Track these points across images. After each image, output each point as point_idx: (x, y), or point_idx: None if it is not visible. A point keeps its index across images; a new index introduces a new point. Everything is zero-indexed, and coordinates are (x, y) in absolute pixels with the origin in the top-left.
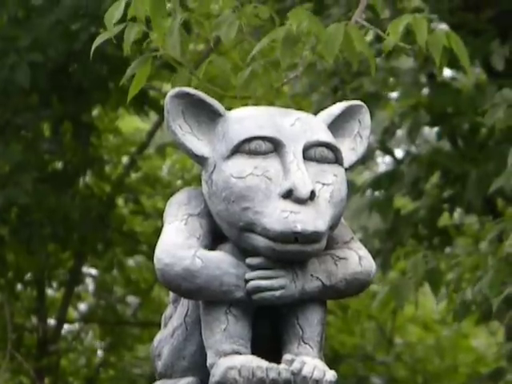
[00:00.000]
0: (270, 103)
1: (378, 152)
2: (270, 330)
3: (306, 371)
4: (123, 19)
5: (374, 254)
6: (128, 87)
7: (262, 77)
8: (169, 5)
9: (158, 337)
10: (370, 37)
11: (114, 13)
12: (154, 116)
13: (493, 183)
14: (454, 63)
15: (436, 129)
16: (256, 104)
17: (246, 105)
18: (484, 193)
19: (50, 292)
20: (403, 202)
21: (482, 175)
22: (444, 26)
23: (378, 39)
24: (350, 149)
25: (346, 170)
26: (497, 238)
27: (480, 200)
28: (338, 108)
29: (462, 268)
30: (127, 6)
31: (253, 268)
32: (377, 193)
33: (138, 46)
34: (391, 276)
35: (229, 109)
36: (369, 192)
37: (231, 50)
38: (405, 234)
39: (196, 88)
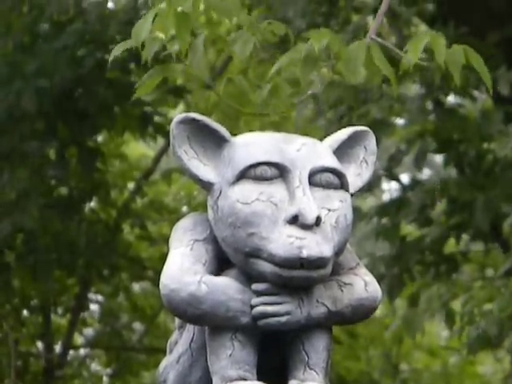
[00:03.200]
0: (278, 124)
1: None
2: (275, 355)
3: None
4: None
5: (380, 281)
6: (133, 111)
7: (282, 94)
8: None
9: (164, 363)
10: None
11: (143, 26)
12: (159, 141)
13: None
14: (460, 89)
15: (442, 155)
16: (274, 122)
17: (263, 125)
18: (491, 218)
19: (55, 318)
20: (409, 229)
21: (489, 201)
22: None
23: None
24: (356, 174)
25: (351, 195)
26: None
27: (487, 225)
28: (343, 134)
29: (475, 301)
30: (154, 20)
31: (258, 294)
32: (383, 219)
33: (153, 62)
34: (398, 304)
35: (245, 128)
36: (375, 219)
37: (246, 69)
38: (411, 260)
39: (216, 105)
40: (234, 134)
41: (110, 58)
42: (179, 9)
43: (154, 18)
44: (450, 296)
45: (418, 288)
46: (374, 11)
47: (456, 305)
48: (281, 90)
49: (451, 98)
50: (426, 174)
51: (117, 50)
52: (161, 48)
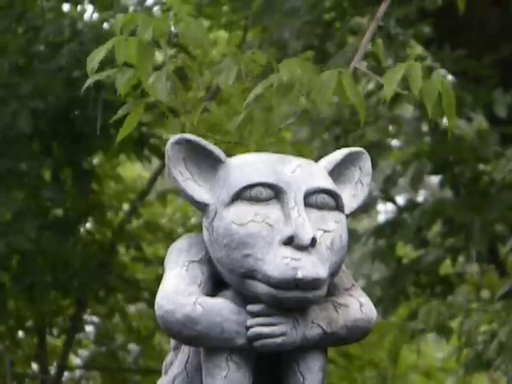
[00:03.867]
0: (266, 150)
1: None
2: (270, 377)
3: None
4: (113, 65)
5: (376, 302)
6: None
7: (257, 122)
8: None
9: None
10: (371, 85)
11: (95, 57)
12: (155, 163)
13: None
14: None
15: (438, 177)
16: (254, 150)
17: (244, 151)
18: (488, 240)
19: (50, 339)
20: (406, 251)
21: (486, 224)
22: (443, 72)
23: (381, 87)
24: (351, 195)
25: (346, 216)
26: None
27: (486, 248)
28: (339, 154)
29: (475, 322)
30: (112, 51)
31: (254, 315)
32: (380, 241)
33: (133, 89)
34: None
35: (227, 155)
36: (371, 240)
37: (231, 98)
38: (407, 281)
39: (191, 134)
40: None
41: (82, 90)
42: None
43: (113, 47)
44: (449, 316)
45: (417, 305)
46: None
47: (454, 324)
48: (256, 117)
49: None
50: (421, 195)
51: (87, 83)
52: (133, 81)
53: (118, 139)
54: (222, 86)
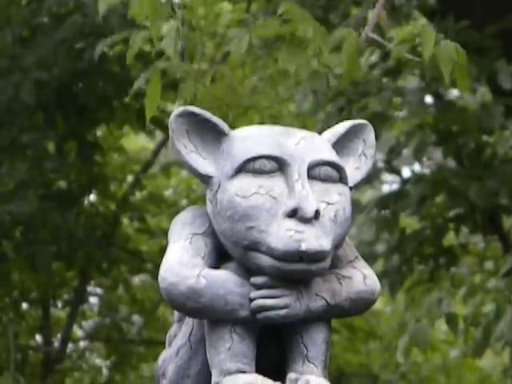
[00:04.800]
0: (275, 117)
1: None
2: (274, 348)
3: None
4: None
5: (381, 275)
6: (132, 104)
7: (268, 87)
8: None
9: (163, 356)
10: (375, 57)
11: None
12: (158, 134)
13: None
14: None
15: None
16: (261, 117)
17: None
18: (491, 210)
19: (54, 311)
20: (409, 222)
21: (488, 192)
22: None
23: (384, 58)
24: (355, 168)
25: (350, 188)
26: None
27: (484, 201)
28: (342, 127)
29: (479, 301)
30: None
31: (257, 287)
32: (382, 212)
33: (139, 60)
34: (399, 298)
35: (233, 126)
36: (375, 211)
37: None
38: (410, 252)
39: (202, 98)
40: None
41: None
42: None
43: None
44: (451, 297)
45: (419, 293)
46: (374, 4)
47: (457, 307)
48: (272, 81)
49: (451, 91)
50: (425, 166)
51: (102, 44)
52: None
53: (147, 115)
54: (234, 55)
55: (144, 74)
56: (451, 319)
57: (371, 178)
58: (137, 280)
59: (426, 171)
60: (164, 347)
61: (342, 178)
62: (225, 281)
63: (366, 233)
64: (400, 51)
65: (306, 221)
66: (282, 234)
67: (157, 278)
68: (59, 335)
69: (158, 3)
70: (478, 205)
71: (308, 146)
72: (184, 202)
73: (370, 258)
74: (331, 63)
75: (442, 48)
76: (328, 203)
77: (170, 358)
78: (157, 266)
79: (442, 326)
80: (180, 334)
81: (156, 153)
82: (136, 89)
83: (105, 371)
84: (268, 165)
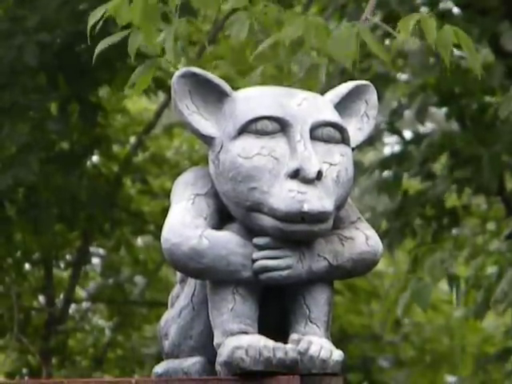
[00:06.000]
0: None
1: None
2: (276, 309)
3: (312, 351)
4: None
5: (383, 236)
6: (134, 65)
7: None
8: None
9: (165, 316)
10: (378, 33)
11: (97, 14)
12: (161, 96)
13: None
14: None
15: (444, 109)
16: (263, 79)
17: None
18: (497, 172)
19: (57, 272)
20: (411, 184)
21: (494, 156)
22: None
23: (388, 34)
24: (357, 129)
25: (352, 149)
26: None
27: (496, 181)
28: (345, 88)
29: (480, 264)
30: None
31: (260, 248)
32: (385, 173)
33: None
34: (399, 258)
35: (233, 88)
36: (377, 173)
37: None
38: (412, 214)
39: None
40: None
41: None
42: None
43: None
44: (453, 258)
45: (422, 254)
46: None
47: (459, 269)
48: (279, 46)
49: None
50: (428, 127)
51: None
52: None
53: (136, 93)
54: (234, 40)
55: (139, 69)
56: (453, 280)
57: (373, 139)
58: (139, 241)
59: (429, 132)
60: (166, 308)
61: (344, 139)
62: (227, 241)
63: (370, 199)
64: (401, 40)
65: (308, 181)
66: (284, 195)
67: (159, 239)
68: (62, 296)
69: (150, 9)
70: (490, 171)
71: (310, 106)
72: (186, 163)
73: (373, 221)
74: (340, 55)
75: (442, 34)
76: (330, 164)
77: (172, 319)
78: (159, 227)
79: (444, 286)
80: (182, 295)
81: (159, 114)
82: (132, 81)
83: (107, 332)
84: (270, 126)
